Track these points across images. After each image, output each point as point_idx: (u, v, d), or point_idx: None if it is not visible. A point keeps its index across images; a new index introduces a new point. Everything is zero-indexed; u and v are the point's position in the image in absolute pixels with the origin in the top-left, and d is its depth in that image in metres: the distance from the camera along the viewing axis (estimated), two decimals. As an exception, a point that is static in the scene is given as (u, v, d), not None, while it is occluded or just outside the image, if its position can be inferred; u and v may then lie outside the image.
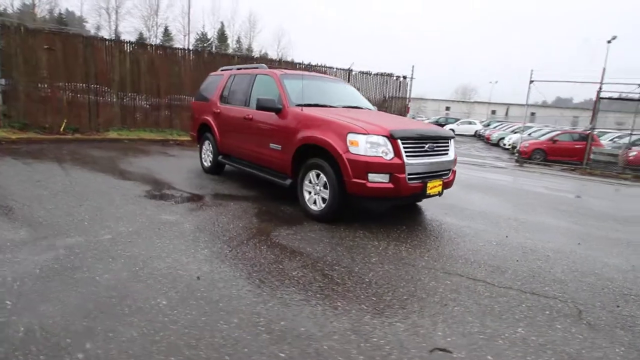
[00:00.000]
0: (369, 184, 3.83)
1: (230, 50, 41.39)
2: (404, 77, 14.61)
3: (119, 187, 5.12)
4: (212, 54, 13.02)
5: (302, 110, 4.59)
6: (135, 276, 2.66)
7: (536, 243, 4.10)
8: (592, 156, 12.85)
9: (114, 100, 11.32)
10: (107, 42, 11.24)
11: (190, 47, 13.19)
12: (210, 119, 6.26)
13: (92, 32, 39.80)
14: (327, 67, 13.44)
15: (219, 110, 6.07)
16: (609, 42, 19.83)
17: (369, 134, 3.86)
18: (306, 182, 4.42)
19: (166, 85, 11.70)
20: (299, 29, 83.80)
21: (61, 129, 9.85)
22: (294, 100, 4.78)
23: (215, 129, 6.11)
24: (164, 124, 11.99)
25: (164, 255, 3.03)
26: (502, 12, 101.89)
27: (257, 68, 5.88)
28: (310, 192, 4.39)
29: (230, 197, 5.07)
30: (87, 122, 10.55)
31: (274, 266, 3.02)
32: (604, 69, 11.55)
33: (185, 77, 12.10)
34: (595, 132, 13.91)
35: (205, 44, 49.16)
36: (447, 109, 53.30)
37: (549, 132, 16.84)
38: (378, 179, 3.84)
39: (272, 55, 43.17)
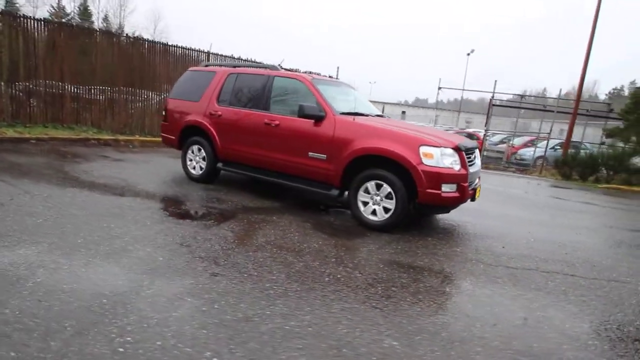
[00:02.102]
0: (443, 194, 4.02)
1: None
2: (330, 77, 15.02)
3: (118, 206, 4.18)
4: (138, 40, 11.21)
5: (354, 119, 4.49)
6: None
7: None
8: (485, 153, 15.41)
9: (2, 88, 8.90)
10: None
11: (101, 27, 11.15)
12: (204, 121, 5.53)
13: None
14: (254, 61, 12.99)
15: (219, 113, 5.41)
16: (468, 54, 24.10)
17: (441, 146, 4.03)
18: (361, 192, 4.36)
19: (71, 72, 9.68)
20: (191, 17, 75.81)
21: None
22: (336, 108, 4.63)
23: (214, 133, 5.43)
24: (68, 119, 9.94)
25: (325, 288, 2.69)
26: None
27: (264, 68, 5.45)
28: (367, 203, 4.35)
29: (264, 210, 4.63)
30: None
31: (421, 285, 2.97)
32: (495, 81, 13.97)
33: (97, 63, 10.25)
34: (481, 132, 16.69)
35: (63, 20, 41.41)
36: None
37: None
38: (449, 189, 4.06)
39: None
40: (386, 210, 4.23)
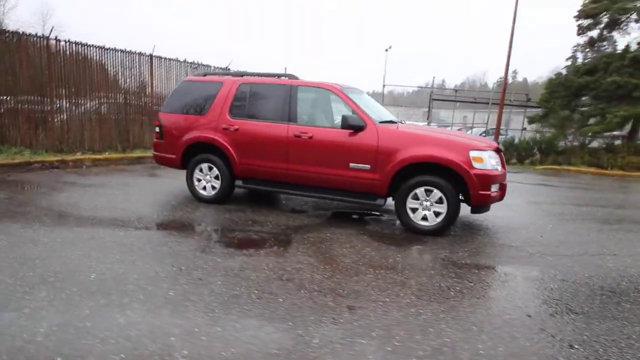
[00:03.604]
0: (492, 194, 4.27)
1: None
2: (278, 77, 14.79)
3: (161, 243, 3.66)
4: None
5: (397, 128, 4.52)
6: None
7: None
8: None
9: None
10: None
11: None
12: (216, 137, 5.07)
13: None
14: (203, 64, 12.26)
15: (234, 127, 5.00)
16: (386, 50, 25.99)
17: (487, 150, 4.26)
18: (409, 199, 4.41)
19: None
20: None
21: None
22: (374, 117, 4.61)
23: (231, 149, 5.01)
24: (-13, 139, 8.33)
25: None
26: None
27: (276, 77, 5.18)
28: (416, 209, 4.41)
29: (311, 228, 4.42)
30: None
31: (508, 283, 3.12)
32: (434, 77, 15.09)
33: (21, 70, 8.68)
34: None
35: None
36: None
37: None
38: (495, 189, 4.32)
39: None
40: (437, 214, 4.35)
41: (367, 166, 4.49)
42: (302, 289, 2.85)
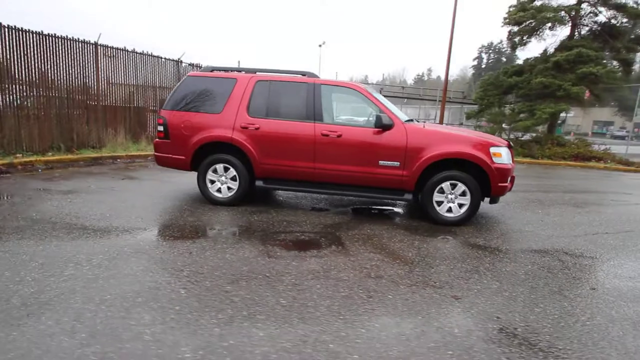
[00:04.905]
0: (508, 186, 4.74)
1: None
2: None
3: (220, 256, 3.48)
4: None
5: (424, 126, 4.76)
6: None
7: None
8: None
9: None
10: None
11: None
12: (235, 136, 4.84)
13: None
14: (153, 54, 11.41)
15: (255, 125, 4.83)
16: (319, 46, 26.60)
17: (504, 146, 4.71)
18: (435, 193, 4.70)
19: None
20: None
21: None
22: (400, 116, 4.80)
23: (251, 148, 4.84)
24: None
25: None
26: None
27: (293, 75, 5.10)
28: (441, 202, 4.72)
29: (348, 225, 4.47)
30: None
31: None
32: (383, 74, 15.66)
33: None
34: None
35: None
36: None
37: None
38: (509, 181, 4.80)
39: None
40: (460, 206, 4.71)
41: (397, 163, 4.68)
42: (399, 285, 2.95)
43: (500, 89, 15.68)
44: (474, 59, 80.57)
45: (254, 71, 5.15)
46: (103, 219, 4.22)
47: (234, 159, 4.93)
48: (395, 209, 5.47)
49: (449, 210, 4.72)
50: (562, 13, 14.82)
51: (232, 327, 2.26)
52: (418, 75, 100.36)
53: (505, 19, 15.98)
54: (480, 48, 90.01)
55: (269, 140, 4.84)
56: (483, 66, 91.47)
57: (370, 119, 4.80)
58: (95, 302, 2.44)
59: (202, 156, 5.02)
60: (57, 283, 2.68)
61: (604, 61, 13.77)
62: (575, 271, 3.42)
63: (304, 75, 5.08)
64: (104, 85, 10.44)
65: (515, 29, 15.27)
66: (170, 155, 5.09)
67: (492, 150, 4.61)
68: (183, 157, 5.03)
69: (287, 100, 4.92)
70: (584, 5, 14.69)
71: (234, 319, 2.34)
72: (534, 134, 14.83)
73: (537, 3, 15.26)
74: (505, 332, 2.36)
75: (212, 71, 5.22)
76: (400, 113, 5.19)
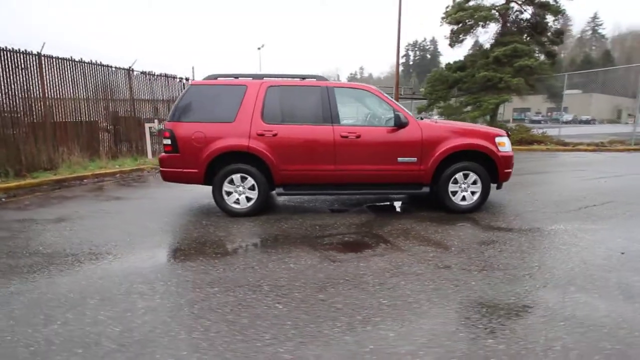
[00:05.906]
0: (511, 171, 5.17)
1: None
2: (187, 79, 13.70)
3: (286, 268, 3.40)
4: None
5: (436, 122, 5.01)
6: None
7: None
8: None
9: None
10: None
11: None
12: (251, 144, 4.71)
13: None
14: (102, 64, 10.62)
15: (273, 132, 4.74)
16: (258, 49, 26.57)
17: (505, 136, 5.12)
18: (450, 184, 4.99)
19: None
20: None
21: None
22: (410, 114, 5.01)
23: (270, 155, 4.74)
24: None
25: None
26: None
27: (301, 79, 5.08)
28: (455, 192, 5.01)
29: (382, 224, 4.56)
30: None
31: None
32: (338, 75, 16.00)
33: None
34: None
35: None
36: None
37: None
38: (511, 167, 5.24)
39: None
40: (472, 194, 5.05)
41: (414, 159, 4.88)
42: (471, 271, 3.12)
43: (446, 83, 16.80)
44: (402, 57, 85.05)
45: (261, 77, 5.05)
46: (125, 245, 3.89)
47: (251, 168, 4.80)
48: (398, 204, 5.67)
49: (463, 198, 5.03)
50: (494, 11, 16.27)
51: (360, 333, 2.26)
52: (351, 74, 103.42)
53: (443, 18, 17.15)
54: (407, 46, 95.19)
55: (288, 146, 4.79)
56: (410, 63, 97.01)
57: (386, 118, 4.95)
58: (187, 331, 2.29)
59: (216, 168, 4.82)
60: (134, 318, 2.46)
61: (536, 54, 15.37)
62: (598, 239, 3.86)
63: (306, 78, 5.07)
64: (51, 100, 9.49)
65: (456, 27, 16.42)
66: (181, 170, 4.82)
67: (497, 140, 4.99)
68: (196, 170, 4.79)
69: (301, 104, 4.90)
70: (512, 4, 16.26)
71: (354, 325, 2.34)
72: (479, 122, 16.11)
73: (471, 3, 16.60)
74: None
75: (216, 79, 5.02)
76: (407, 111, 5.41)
